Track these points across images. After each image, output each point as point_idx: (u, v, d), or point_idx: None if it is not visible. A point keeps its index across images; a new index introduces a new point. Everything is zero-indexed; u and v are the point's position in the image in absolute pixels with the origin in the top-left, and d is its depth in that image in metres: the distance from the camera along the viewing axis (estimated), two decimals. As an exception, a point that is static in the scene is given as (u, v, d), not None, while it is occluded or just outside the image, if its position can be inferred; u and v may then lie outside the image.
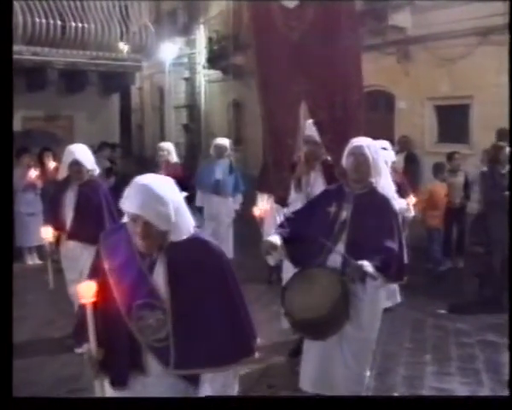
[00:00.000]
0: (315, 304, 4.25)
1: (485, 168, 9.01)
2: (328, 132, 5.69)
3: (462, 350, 6.77)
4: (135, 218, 2.86)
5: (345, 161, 4.60)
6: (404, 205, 7.22)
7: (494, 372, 6.15)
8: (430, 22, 13.08)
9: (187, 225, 3.00)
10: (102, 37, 15.04)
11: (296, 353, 5.59)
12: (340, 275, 4.36)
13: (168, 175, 9.77)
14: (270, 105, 5.94)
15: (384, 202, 4.58)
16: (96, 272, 3.05)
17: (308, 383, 4.69)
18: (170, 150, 9.76)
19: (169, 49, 21.86)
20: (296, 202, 5.85)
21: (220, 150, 9.88)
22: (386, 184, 4.78)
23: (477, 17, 11.95)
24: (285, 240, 4.65)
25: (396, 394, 5.66)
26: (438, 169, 10.45)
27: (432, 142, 13.92)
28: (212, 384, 2.99)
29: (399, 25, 13.93)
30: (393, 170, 8.06)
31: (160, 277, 2.97)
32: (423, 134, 13.89)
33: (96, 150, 12.76)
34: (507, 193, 7.87)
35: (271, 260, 5.13)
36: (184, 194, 9.70)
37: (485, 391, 5.74)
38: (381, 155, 4.68)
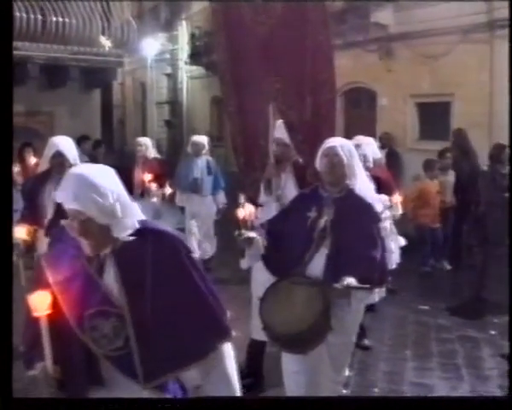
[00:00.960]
0: (295, 318, 3.99)
1: (485, 167, 8.89)
2: (299, 133, 5.49)
3: (443, 346, 6.84)
4: (71, 212, 2.60)
5: (318, 162, 4.39)
6: (387, 202, 7.18)
7: (474, 367, 6.22)
8: (412, 20, 13.13)
9: (131, 217, 2.72)
10: (84, 32, 14.93)
11: None
12: (320, 286, 4.07)
13: (146, 171, 9.62)
14: (240, 104, 5.71)
15: (364, 205, 4.38)
16: (39, 286, 2.69)
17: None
18: (147, 145, 9.53)
19: (151, 45, 21.77)
20: (266, 204, 5.69)
21: (198, 148, 9.73)
22: (363, 184, 4.57)
23: (458, 15, 12.00)
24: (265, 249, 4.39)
25: (376, 389, 5.71)
26: (428, 166, 10.25)
27: (413, 139, 13.98)
28: (206, 386, 2.80)
29: (381, 22, 13.95)
30: (379, 166, 8.10)
31: (111, 279, 2.70)
32: (405, 131, 13.94)
33: (76, 144, 12.70)
34: (507, 194, 7.75)
35: (244, 263, 4.86)
36: (169, 190, 9.65)
37: (465, 386, 5.80)
38: (356, 154, 4.45)
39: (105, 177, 2.67)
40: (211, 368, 2.78)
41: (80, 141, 12.80)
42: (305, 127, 5.46)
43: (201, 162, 9.73)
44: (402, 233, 7.37)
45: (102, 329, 2.66)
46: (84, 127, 14.78)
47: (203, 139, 9.98)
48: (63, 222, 2.67)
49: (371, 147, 7.57)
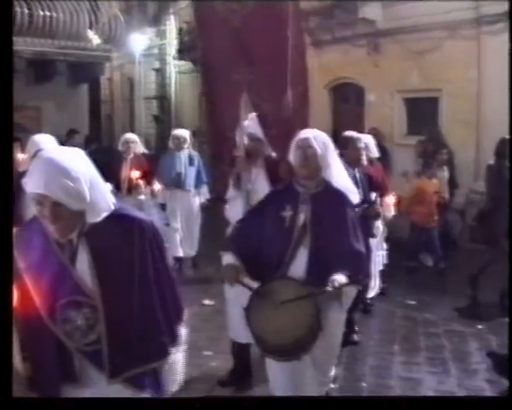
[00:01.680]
0: (288, 325, 3.75)
1: (491, 162, 8.71)
2: (272, 127, 5.34)
3: (430, 340, 6.86)
4: (41, 199, 2.43)
5: (292, 155, 4.17)
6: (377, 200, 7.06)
7: (461, 361, 6.24)
8: (400, 15, 13.15)
9: (104, 201, 2.58)
10: (71, 26, 14.86)
11: None
12: (306, 287, 3.86)
13: (134, 168, 9.45)
14: (211, 94, 5.59)
15: (342, 198, 4.18)
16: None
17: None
18: (137, 142, 9.44)
19: (139, 40, 21.69)
20: (235, 199, 5.54)
21: (179, 142, 9.50)
22: (339, 176, 4.36)
23: (446, 11, 12.03)
24: (241, 253, 4.11)
25: (364, 384, 5.72)
26: (426, 165, 10.10)
27: (401, 134, 14.02)
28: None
29: (369, 17, 13.96)
30: (374, 165, 8.05)
31: (84, 268, 2.55)
32: (393, 126, 13.98)
33: (65, 138, 12.62)
34: None
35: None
36: (158, 187, 9.52)
37: (452, 380, 5.82)
38: (331, 145, 4.24)
39: (75, 160, 2.51)
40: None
41: (69, 135, 12.73)
42: (279, 121, 5.32)
43: (184, 156, 9.51)
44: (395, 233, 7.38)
45: (75, 321, 2.52)
46: (72, 122, 14.73)
47: (185, 133, 9.78)
48: (34, 209, 2.51)
49: (369, 146, 7.62)
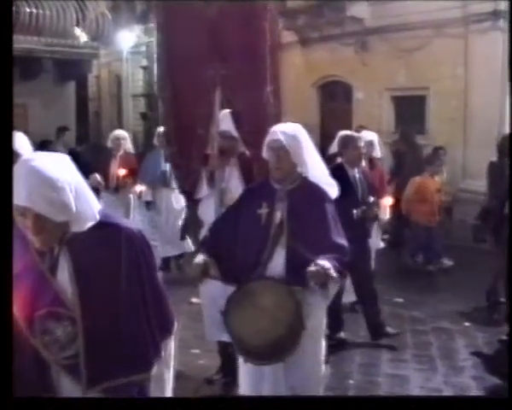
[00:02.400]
0: (270, 324, 3.66)
1: (494, 159, 8.51)
2: (245, 124, 5.19)
3: (417, 337, 6.88)
4: (24, 211, 2.27)
5: (265, 155, 4.07)
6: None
7: (448, 358, 6.27)
8: (388, 14, 13.19)
9: (90, 210, 2.43)
10: (58, 23, 14.79)
11: None
12: (286, 284, 3.77)
13: (122, 165, 9.27)
14: (178, 89, 5.25)
15: (318, 192, 4.03)
16: None
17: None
18: (127, 139, 9.32)
19: (126, 37, 21.60)
20: (209, 198, 5.41)
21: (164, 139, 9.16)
22: (316, 170, 4.14)
23: (433, 10, 12.08)
24: (214, 254, 4.00)
25: (351, 381, 5.73)
26: (428, 161, 9.81)
27: (389, 132, 14.05)
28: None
29: (357, 16, 14.01)
30: (375, 167, 8.04)
31: (64, 278, 2.41)
32: (380, 124, 13.99)
33: (55, 136, 12.54)
34: None
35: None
36: (140, 188, 9.25)
37: (439, 378, 5.84)
38: (303, 138, 4.03)
39: (60, 167, 2.32)
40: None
41: (59, 132, 12.64)
42: (253, 118, 5.17)
43: None
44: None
45: (54, 333, 2.39)
46: (59, 120, 14.64)
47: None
48: (16, 220, 2.33)
49: (374, 145, 7.70)
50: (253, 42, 5.08)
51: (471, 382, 5.75)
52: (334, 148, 8.11)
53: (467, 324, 7.28)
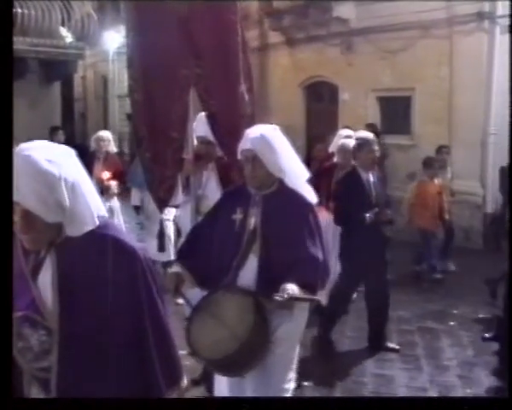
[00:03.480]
0: (224, 338, 3.42)
1: (504, 164, 8.28)
2: (220, 125, 4.97)
3: (403, 337, 6.91)
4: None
5: (240, 162, 3.90)
6: None
7: (433, 358, 6.31)
8: (373, 15, 13.21)
9: (88, 213, 2.17)
10: (43, 23, 14.70)
11: None
12: (254, 296, 3.54)
13: (106, 168, 8.98)
14: (150, 91, 4.94)
15: (296, 199, 3.78)
16: None
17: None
18: (110, 140, 9.07)
19: (112, 38, 21.52)
20: (186, 204, 5.25)
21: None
22: (293, 175, 3.87)
23: (418, 11, 12.12)
24: (189, 263, 3.86)
25: (338, 381, 5.74)
26: (427, 164, 9.35)
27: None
28: None
29: (343, 17, 14.02)
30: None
31: (46, 284, 2.16)
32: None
33: (48, 136, 12.44)
34: None
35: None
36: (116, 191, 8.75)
37: (424, 377, 5.88)
38: (278, 141, 3.76)
39: (59, 161, 2.09)
40: None
41: (52, 132, 12.56)
42: (227, 118, 4.93)
43: None
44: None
45: (28, 340, 2.17)
46: (44, 120, 14.57)
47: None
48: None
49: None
50: (225, 40, 4.80)
51: (456, 380, 5.79)
52: (333, 147, 8.14)
53: (451, 323, 7.33)
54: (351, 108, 14.20)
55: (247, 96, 4.93)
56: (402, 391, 5.55)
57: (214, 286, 3.74)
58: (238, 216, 3.80)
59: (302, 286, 3.50)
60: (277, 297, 3.39)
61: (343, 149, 7.40)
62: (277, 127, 3.90)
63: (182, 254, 4.01)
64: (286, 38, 15.96)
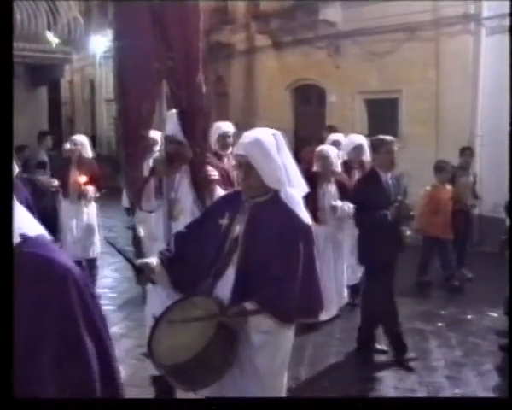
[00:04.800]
0: (182, 347, 3.18)
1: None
2: (190, 123, 4.76)
3: (391, 338, 6.91)
4: None
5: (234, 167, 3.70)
6: (347, 207, 6.86)
7: (421, 359, 6.30)
8: (360, 17, 13.28)
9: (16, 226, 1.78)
10: (29, 28, 14.64)
11: None
12: (219, 307, 3.29)
13: (81, 172, 8.71)
14: (125, 85, 4.75)
15: (287, 214, 3.40)
16: None
17: None
18: (84, 144, 8.65)
19: (99, 42, 21.50)
20: (159, 209, 4.98)
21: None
22: (292, 185, 3.52)
23: (405, 13, 12.19)
24: (168, 261, 3.59)
25: (326, 383, 5.74)
26: (439, 168, 8.93)
27: (362, 135, 14.13)
28: None
29: (330, 19, 14.09)
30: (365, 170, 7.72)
31: None
32: (354, 127, 14.06)
33: (37, 141, 12.37)
34: None
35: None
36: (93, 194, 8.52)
37: (412, 378, 5.88)
38: (273, 147, 3.42)
39: None
40: None
41: (40, 137, 12.48)
42: (194, 109, 4.73)
43: None
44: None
45: None
46: (31, 125, 14.50)
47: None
48: None
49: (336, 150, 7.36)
50: (191, 27, 4.61)
51: (444, 381, 5.80)
52: (344, 152, 8.06)
53: (440, 324, 7.35)
54: (338, 111, 14.25)
55: (204, 88, 4.70)
56: (391, 393, 5.55)
57: (188, 288, 3.54)
58: (224, 221, 3.55)
59: (269, 310, 3.22)
60: (229, 312, 3.22)
61: (321, 156, 7.21)
62: (278, 133, 3.56)
63: (164, 251, 3.71)
64: (273, 41, 16.00)
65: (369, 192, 6.04)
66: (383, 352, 6.41)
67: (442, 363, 6.20)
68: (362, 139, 8.06)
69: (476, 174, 9.55)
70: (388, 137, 6.26)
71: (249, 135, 3.50)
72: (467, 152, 9.55)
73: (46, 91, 17.32)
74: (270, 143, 3.42)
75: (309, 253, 3.40)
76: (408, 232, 6.16)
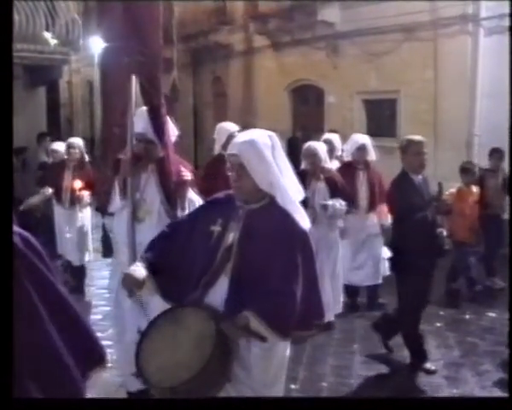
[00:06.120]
0: (175, 365, 2.97)
1: None
2: (163, 121, 4.63)
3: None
4: None
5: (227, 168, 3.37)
6: (339, 205, 6.72)
7: (420, 359, 6.29)
8: (358, 18, 13.29)
9: None
10: (27, 28, 14.63)
11: None
12: (216, 320, 3.05)
13: (80, 177, 8.56)
14: (104, 84, 4.67)
15: (282, 220, 3.23)
16: None
17: None
18: (81, 148, 8.40)
19: (98, 43, 21.48)
20: (121, 210, 4.78)
21: None
22: (285, 191, 3.31)
23: (403, 14, 12.20)
24: (154, 266, 3.37)
25: (325, 384, 5.73)
26: (465, 170, 8.50)
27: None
28: None
29: (328, 20, 14.10)
30: (372, 170, 7.83)
31: None
32: (352, 128, 14.07)
33: (36, 142, 12.38)
34: None
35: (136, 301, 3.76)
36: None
37: (410, 378, 5.88)
38: (266, 152, 3.22)
39: None
40: None
41: (40, 138, 12.49)
42: (163, 112, 4.59)
43: None
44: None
45: None
46: (29, 126, 14.50)
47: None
48: None
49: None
50: (152, 25, 4.47)
51: (443, 381, 5.79)
52: (348, 152, 8.02)
53: (438, 324, 7.34)
54: (336, 111, 14.26)
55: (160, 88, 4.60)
56: (390, 393, 5.55)
57: (176, 297, 3.34)
58: (216, 228, 3.33)
59: (262, 319, 3.03)
60: (228, 324, 3.04)
61: (309, 153, 6.94)
62: (274, 135, 3.37)
63: (149, 256, 3.43)
64: (271, 42, 16.01)
65: (404, 195, 5.72)
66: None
67: (440, 363, 6.19)
68: (366, 139, 7.96)
69: (506, 176, 8.99)
70: (417, 138, 5.98)
71: (243, 135, 3.36)
72: (496, 154, 8.99)
73: (44, 92, 17.32)
74: (265, 145, 3.25)
75: (308, 261, 3.25)
76: (444, 233, 5.94)
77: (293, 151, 12.10)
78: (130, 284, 3.32)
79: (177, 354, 3.01)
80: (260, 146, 3.21)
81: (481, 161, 11.04)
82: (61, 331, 2.11)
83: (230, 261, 3.23)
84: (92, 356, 2.32)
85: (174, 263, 3.39)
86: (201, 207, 3.81)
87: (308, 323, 3.29)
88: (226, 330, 3.01)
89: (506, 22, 10.24)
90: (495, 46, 10.99)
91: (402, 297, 5.93)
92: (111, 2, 4.54)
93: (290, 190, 3.33)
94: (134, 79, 4.51)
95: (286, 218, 3.24)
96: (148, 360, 3.02)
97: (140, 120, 4.64)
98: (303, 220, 3.31)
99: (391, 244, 6.16)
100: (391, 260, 6.16)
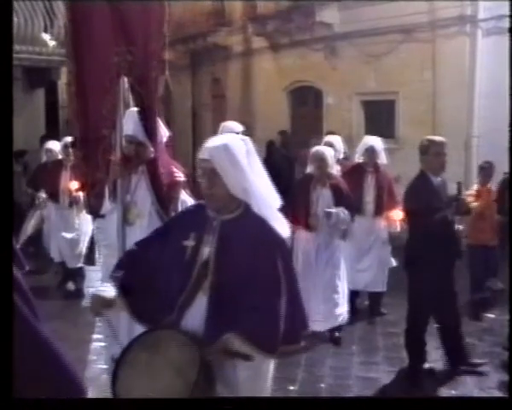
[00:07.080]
0: (158, 395, 2.70)
1: None
2: (154, 122, 4.54)
3: (389, 340, 6.91)
4: None
5: (198, 175, 3.20)
6: (342, 214, 6.52)
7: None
8: (356, 19, 13.29)
9: None
10: (26, 30, 14.64)
11: None
12: (198, 344, 2.83)
13: (77, 179, 8.37)
14: (83, 81, 4.46)
15: (263, 230, 3.05)
16: None
17: None
18: (56, 151, 8.48)
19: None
20: (111, 213, 4.70)
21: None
22: (262, 198, 3.12)
23: (401, 15, 12.21)
24: (124, 287, 3.10)
25: (323, 385, 5.73)
26: (484, 170, 8.38)
27: (359, 137, 14.11)
28: None
29: (327, 21, 14.10)
30: (382, 173, 7.73)
31: None
32: (351, 129, 14.10)
33: (39, 145, 12.37)
34: None
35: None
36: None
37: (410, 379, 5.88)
38: (241, 156, 3.04)
39: None
40: None
41: (42, 141, 12.50)
42: (154, 106, 4.50)
43: None
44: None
45: None
46: (28, 128, 14.52)
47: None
48: None
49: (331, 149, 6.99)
50: (152, 25, 4.38)
51: (442, 383, 5.79)
52: (357, 154, 8.01)
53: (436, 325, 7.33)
54: (335, 113, 14.27)
55: (159, 88, 4.54)
56: (388, 393, 5.54)
57: (151, 319, 3.11)
58: (190, 243, 3.09)
59: (247, 339, 2.84)
60: (213, 347, 2.84)
61: (317, 158, 6.69)
62: (248, 139, 3.19)
63: (118, 275, 3.16)
64: (270, 43, 16.01)
65: (422, 197, 5.64)
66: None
67: (439, 365, 6.19)
68: (375, 141, 7.88)
69: None
70: (438, 138, 5.92)
71: (215, 139, 3.15)
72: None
73: (43, 94, 17.32)
74: (239, 149, 3.05)
75: (289, 270, 3.09)
76: (461, 227, 5.88)
77: (271, 156, 12.18)
78: (98, 306, 3.08)
79: (156, 383, 2.77)
80: (233, 150, 3.02)
81: (480, 161, 11.05)
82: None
83: (207, 278, 3.02)
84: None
85: (146, 282, 3.14)
86: (171, 220, 3.68)
87: (294, 335, 3.07)
88: (209, 356, 2.81)
89: (504, 23, 10.23)
90: (493, 47, 11.00)
91: (413, 297, 5.90)
92: (100, 2, 4.38)
93: (266, 197, 3.15)
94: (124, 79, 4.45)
95: (263, 226, 3.07)
96: (127, 390, 2.78)
97: (130, 122, 4.56)
98: (281, 227, 3.15)
99: (406, 244, 6.04)
100: (405, 258, 6.03)
